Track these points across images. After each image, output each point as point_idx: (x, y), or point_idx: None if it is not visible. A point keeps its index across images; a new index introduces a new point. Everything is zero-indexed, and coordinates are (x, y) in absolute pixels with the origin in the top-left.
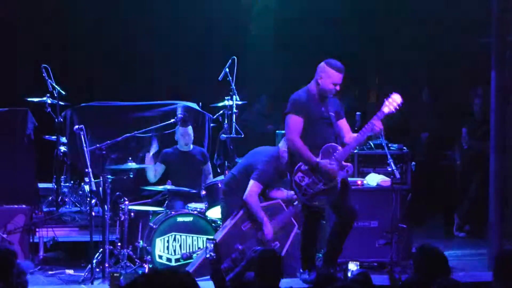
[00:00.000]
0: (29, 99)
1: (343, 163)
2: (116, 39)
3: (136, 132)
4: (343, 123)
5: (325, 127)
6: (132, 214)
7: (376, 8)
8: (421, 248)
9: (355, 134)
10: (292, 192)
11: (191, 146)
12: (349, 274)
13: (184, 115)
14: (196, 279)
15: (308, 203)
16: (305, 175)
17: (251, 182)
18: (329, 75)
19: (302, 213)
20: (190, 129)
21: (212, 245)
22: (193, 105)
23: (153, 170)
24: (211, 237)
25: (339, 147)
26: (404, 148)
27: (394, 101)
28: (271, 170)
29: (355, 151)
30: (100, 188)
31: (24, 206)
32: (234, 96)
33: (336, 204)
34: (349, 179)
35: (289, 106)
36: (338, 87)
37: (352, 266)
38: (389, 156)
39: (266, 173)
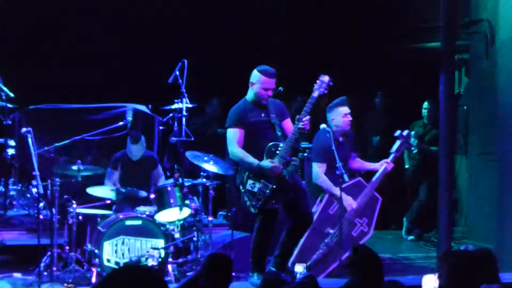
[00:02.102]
0: None
1: (288, 157)
2: (66, 41)
3: (84, 135)
4: (287, 123)
5: (268, 131)
6: (80, 217)
7: (332, 12)
8: (357, 249)
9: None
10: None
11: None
12: (297, 276)
13: (138, 135)
14: None
15: (265, 207)
16: (255, 181)
17: (313, 165)
18: (260, 81)
19: (257, 217)
20: (140, 144)
21: (157, 254)
22: (143, 108)
23: (111, 182)
24: (158, 246)
25: (280, 144)
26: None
27: (322, 83)
28: (323, 146)
29: (305, 154)
30: (48, 191)
31: None
32: (184, 99)
33: (291, 208)
34: None
35: (227, 121)
36: (270, 92)
37: (299, 268)
38: (337, 159)
39: (320, 150)
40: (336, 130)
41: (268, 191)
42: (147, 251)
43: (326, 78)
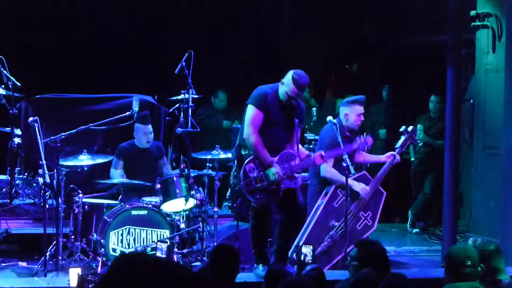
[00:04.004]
0: None
1: (295, 174)
2: (73, 32)
3: (91, 124)
4: (297, 132)
5: (279, 132)
6: (86, 207)
7: (338, 6)
8: (360, 243)
9: (303, 154)
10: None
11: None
12: (302, 258)
13: (146, 113)
14: None
15: (247, 195)
16: (256, 168)
17: None
18: (289, 87)
19: (250, 206)
20: (150, 127)
21: (165, 246)
22: (149, 98)
23: (118, 170)
24: (163, 236)
25: (297, 159)
26: None
27: (365, 142)
28: (331, 139)
29: (311, 146)
30: (54, 181)
31: None
32: (190, 90)
33: (280, 202)
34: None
35: (253, 98)
36: (294, 101)
37: (306, 249)
38: (344, 152)
39: (328, 144)
40: (346, 126)
41: (262, 184)
42: (153, 242)
43: (369, 141)
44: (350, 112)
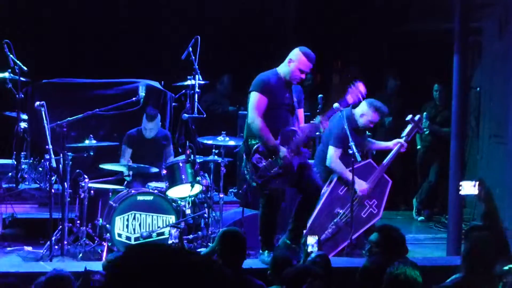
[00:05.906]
0: None
1: (301, 148)
2: (79, 17)
3: (97, 110)
4: (300, 112)
5: (286, 113)
6: (92, 192)
7: None
8: (382, 228)
9: (306, 125)
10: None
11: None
12: (308, 249)
13: (153, 112)
14: None
15: (264, 185)
16: (263, 157)
17: (330, 148)
18: (299, 62)
19: (262, 194)
20: (155, 122)
21: (176, 232)
22: (155, 84)
23: (126, 160)
24: (174, 224)
25: (299, 132)
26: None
27: (357, 90)
28: (340, 130)
29: (317, 133)
30: (60, 165)
31: None
32: (196, 76)
33: (298, 184)
34: None
35: (255, 85)
36: (304, 75)
37: (311, 240)
38: (350, 139)
39: (337, 134)
40: (356, 120)
41: (272, 172)
42: (158, 227)
43: (362, 88)
44: (367, 114)
